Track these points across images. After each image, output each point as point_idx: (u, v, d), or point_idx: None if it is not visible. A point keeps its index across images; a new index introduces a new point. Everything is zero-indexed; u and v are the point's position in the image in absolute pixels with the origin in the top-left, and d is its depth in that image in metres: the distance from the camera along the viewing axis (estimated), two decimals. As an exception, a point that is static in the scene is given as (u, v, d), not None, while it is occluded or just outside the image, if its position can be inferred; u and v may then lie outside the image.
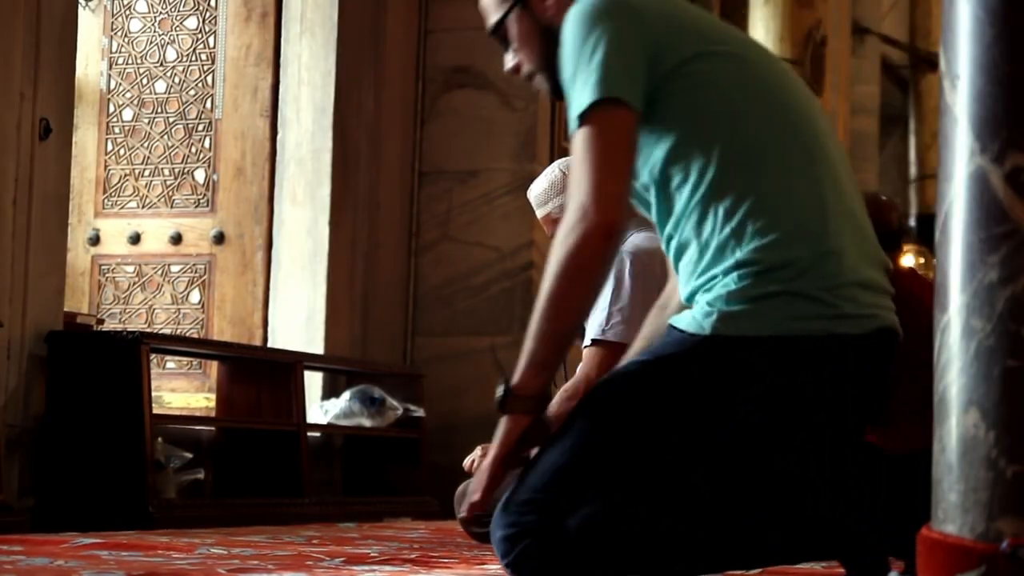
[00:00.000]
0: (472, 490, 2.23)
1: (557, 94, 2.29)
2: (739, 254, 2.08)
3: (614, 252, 2.15)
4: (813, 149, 2.23)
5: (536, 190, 3.89)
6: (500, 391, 2.19)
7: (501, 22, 2.34)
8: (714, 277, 2.10)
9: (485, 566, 2.87)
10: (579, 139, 2.11)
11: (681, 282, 2.19)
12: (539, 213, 3.89)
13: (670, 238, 2.19)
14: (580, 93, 2.11)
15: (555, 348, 2.17)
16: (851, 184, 2.32)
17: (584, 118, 2.10)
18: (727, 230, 2.10)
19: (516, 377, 2.17)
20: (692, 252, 2.14)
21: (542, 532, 2.11)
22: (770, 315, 2.07)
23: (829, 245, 2.12)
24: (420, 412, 5.89)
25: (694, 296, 2.14)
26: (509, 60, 2.37)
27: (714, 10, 9.68)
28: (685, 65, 2.16)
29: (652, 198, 2.20)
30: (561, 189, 3.84)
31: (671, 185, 2.16)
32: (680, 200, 2.15)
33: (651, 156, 2.17)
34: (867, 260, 2.21)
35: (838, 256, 2.12)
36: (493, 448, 2.20)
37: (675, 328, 2.13)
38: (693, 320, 2.10)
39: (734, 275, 2.08)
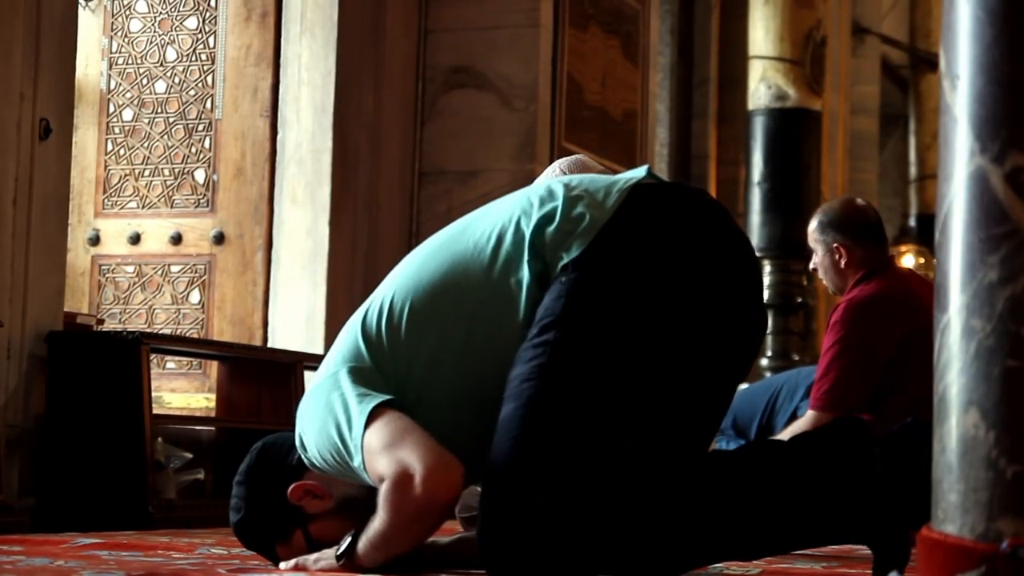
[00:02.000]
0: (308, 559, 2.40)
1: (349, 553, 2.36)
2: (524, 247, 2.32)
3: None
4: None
5: (536, 190, 3.89)
6: (345, 545, 2.32)
7: (312, 544, 2.42)
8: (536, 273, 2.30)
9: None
10: (368, 449, 2.23)
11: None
12: (539, 213, 3.89)
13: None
14: (348, 431, 2.25)
15: (394, 559, 2.30)
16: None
17: (360, 439, 2.24)
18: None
19: (359, 551, 2.30)
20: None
21: (510, 511, 2.13)
22: (582, 218, 2.29)
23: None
24: (420, 412, 5.89)
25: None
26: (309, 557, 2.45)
27: (714, 10, 9.70)
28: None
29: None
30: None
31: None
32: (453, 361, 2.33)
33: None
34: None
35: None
36: (313, 564, 2.36)
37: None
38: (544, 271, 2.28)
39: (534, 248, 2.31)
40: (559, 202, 2.32)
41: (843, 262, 3.96)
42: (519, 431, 2.15)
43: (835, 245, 3.98)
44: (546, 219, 2.29)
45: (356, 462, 2.25)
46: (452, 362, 2.30)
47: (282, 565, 2.44)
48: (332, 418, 2.29)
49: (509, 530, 2.14)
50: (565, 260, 2.24)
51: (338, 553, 2.32)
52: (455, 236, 2.40)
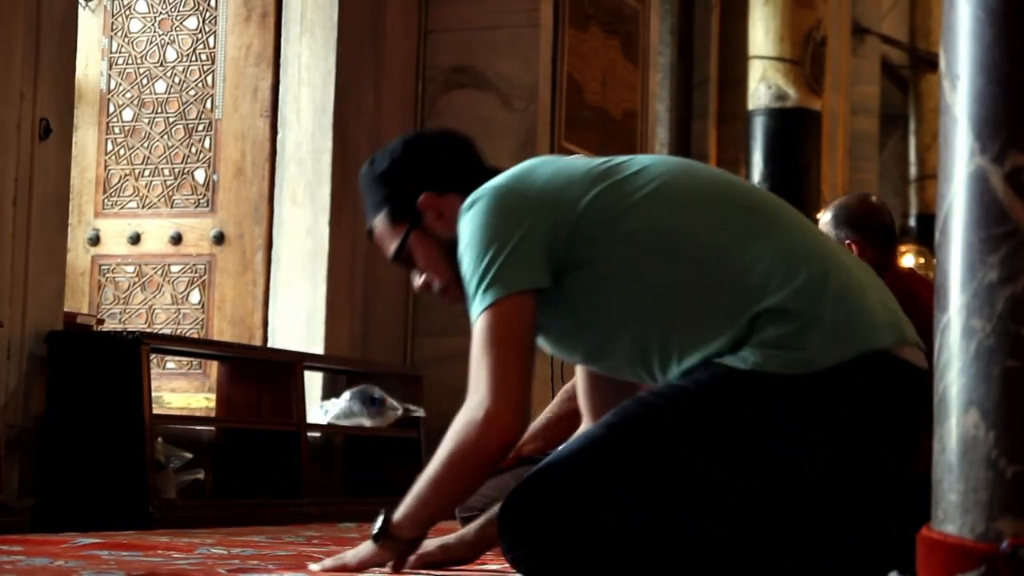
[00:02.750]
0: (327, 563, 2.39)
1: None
2: (749, 313, 2.11)
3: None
4: (760, 214, 2.25)
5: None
6: (379, 522, 2.31)
7: (401, 247, 2.41)
8: (738, 338, 2.11)
9: (485, 566, 2.87)
10: (479, 331, 2.21)
11: (686, 364, 2.18)
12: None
13: (647, 350, 2.20)
14: (478, 291, 2.21)
15: (438, 514, 2.31)
16: (811, 226, 2.32)
17: (484, 312, 2.20)
18: (723, 308, 2.13)
19: (396, 518, 2.30)
20: (690, 342, 2.16)
21: (549, 531, 2.12)
22: (807, 349, 2.09)
23: (818, 275, 2.14)
24: (420, 412, 5.89)
25: (712, 356, 2.15)
26: (417, 280, 2.44)
27: (714, 10, 9.69)
28: (583, 220, 2.21)
29: (607, 330, 2.24)
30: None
31: (634, 309, 2.19)
32: (652, 315, 2.18)
33: (603, 295, 2.21)
34: (869, 285, 2.22)
35: (841, 283, 2.15)
36: (352, 558, 2.35)
37: (715, 363, 2.13)
38: (735, 358, 2.11)
39: (758, 324, 2.11)
40: (808, 314, 2.11)
41: None
42: (591, 445, 2.15)
43: (847, 242, 3.98)
44: (776, 315, 2.11)
45: (472, 312, 2.23)
46: (645, 284, 2.19)
47: (313, 566, 2.44)
48: (482, 249, 2.21)
49: (531, 524, 2.13)
50: (756, 365, 2.09)
51: (374, 533, 2.32)
52: (767, 211, 2.25)
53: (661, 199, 2.22)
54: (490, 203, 2.23)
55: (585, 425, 2.56)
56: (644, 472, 2.11)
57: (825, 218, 4.08)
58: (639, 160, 2.32)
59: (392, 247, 2.43)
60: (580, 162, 2.33)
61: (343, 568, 2.38)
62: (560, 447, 2.25)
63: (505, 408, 2.18)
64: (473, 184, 2.32)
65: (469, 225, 2.23)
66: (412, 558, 2.40)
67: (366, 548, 2.36)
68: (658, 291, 2.17)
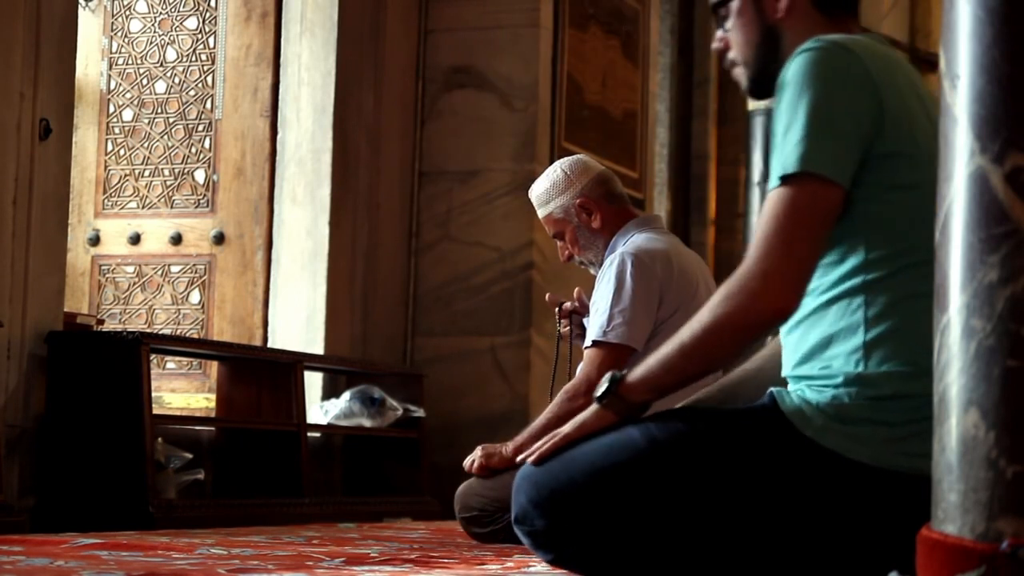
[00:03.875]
0: (527, 449, 2.24)
1: (754, 93, 2.24)
2: (864, 369, 2.04)
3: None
4: None
5: (537, 190, 3.89)
6: (607, 382, 2.17)
7: (725, 0, 2.27)
8: (831, 377, 2.05)
9: (485, 566, 2.87)
10: (775, 203, 2.02)
11: (787, 353, 2.14)
12: (540, 213, 3.89)
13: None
14: (788, 155, 2.02)
15: (678, 382, 2.16)
16: None
17: (786, 182, 2.02)
18: (862, 337, 2.05)
19: (631, 379, 2.16)
20: (814, 334, 2.09)
21: (556, 518, 2.12)
22: (877, 444, 2.03)
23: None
24: (420, 412, 5.89)
25: (800, 380, 2.10)
26: (718, 38, 2.30)
27: (714, 10, 9.68)
28: (896, 159, 2.06)
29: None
30: (563, 189, 3.84)
31: (831, 255, 2.09)
32: (831, 275, 2.09)
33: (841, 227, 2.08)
34: None
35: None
36: (571, 427, 2.20)
37: (777, 402, 2.09)
38: (797, 410, 2.06)
39: (854, 389, 2.04)
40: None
41: None
42: (641, 439, 2.12)
43: None
44: (884, 396, 2.02)
45: (774, 169, 2.05)
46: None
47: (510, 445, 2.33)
48: (805, 111, 2.02)
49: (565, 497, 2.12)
50: (810, 429, 2.03)
51: (599, 395, 2.18)
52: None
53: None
54: (832, 61, 2.05)
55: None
56: (667, 490, 2.10)
57: None
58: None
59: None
60: (913, 85, 2.15)
61: (564, 438, 2.20)
62: (600, 437, 2.16)
63: (787, 281, 2.01)
64: (829, 3, 2.19)
65: (795, 73, 2.05)
66: (547, 444, 2.21)
67: (588, 411, 2.20)
68: (883, 259, 2.06)
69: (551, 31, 6.50)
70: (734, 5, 2.26)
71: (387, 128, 6.28)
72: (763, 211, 2.05)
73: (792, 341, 2.14)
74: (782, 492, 2.07)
